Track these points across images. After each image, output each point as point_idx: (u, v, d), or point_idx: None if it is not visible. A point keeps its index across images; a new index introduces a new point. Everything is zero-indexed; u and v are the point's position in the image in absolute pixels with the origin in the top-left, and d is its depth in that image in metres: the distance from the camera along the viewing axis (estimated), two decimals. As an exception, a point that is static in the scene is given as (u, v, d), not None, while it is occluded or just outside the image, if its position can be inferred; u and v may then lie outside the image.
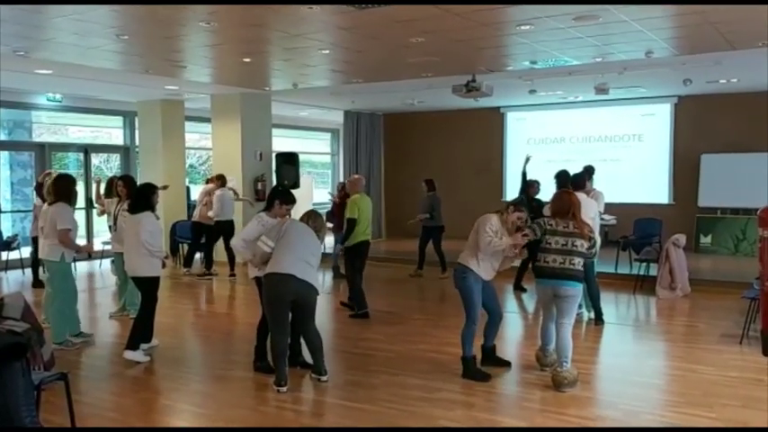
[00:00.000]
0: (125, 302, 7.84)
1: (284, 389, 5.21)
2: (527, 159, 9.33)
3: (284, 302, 5.26)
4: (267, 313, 5.40)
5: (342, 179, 15.86)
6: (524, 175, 9.21)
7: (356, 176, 8.71)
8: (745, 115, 12.38)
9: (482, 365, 5.67)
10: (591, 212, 6.99)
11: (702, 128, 12.98)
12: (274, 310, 5.31)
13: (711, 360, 6.03)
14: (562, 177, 7.59)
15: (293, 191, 6.01)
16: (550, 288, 5.33)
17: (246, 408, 5.05)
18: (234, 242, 5.77)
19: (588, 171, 7.91)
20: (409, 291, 9.73)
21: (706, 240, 12.58)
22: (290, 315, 5.38)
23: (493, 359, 5.82)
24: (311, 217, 5.59)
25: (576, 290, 5.30)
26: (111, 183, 8.34)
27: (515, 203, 5.65)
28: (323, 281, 11.07)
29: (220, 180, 11.04)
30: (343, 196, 11.06)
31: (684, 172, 13.20)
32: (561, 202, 5.45)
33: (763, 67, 9.28)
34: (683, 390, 5.30)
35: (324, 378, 5.46)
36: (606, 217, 10.13)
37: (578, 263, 5.25)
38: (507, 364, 5.83)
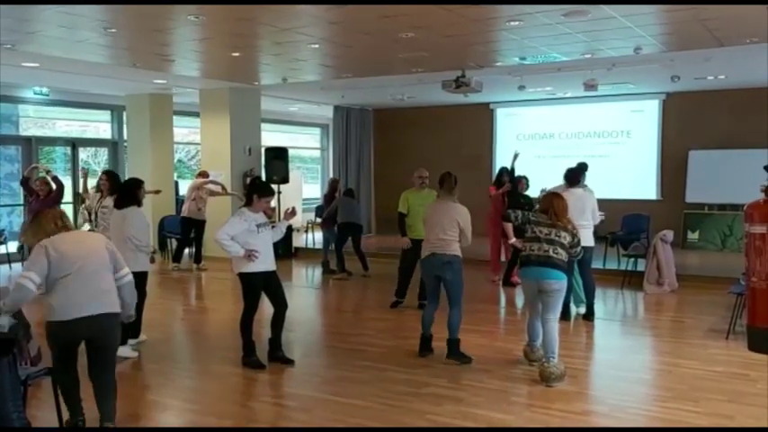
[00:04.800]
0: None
1: None
2: (515, 156, 9.38)
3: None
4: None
5: (331, 174, 15.84)
6: (512, 171, 9.27)
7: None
8: (732, 112, 12.45)
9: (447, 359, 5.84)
10: (590, 205, 7.37)
11: (690, 124, 13.04)
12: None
13: (698, 355, 6.07)
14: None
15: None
16: (535, 282, 5.37)
17: (235, 403, 5.05)
18: (219, 236, 5.49)
19: (581, 168, 7.96)
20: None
21: (693, 236, 12.66)
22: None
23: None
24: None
25: (561, 283, 5.33)
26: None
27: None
28: (312, 276, 11.08)
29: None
30: (332, 191, 11.06)
31: (672, 168, 13.26)
32: (547, 204, 5.58)
33: (751, 63, 9.34)
34: (669, 384, 5.34)
35: None
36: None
37: (562, 253, 5.32)
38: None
